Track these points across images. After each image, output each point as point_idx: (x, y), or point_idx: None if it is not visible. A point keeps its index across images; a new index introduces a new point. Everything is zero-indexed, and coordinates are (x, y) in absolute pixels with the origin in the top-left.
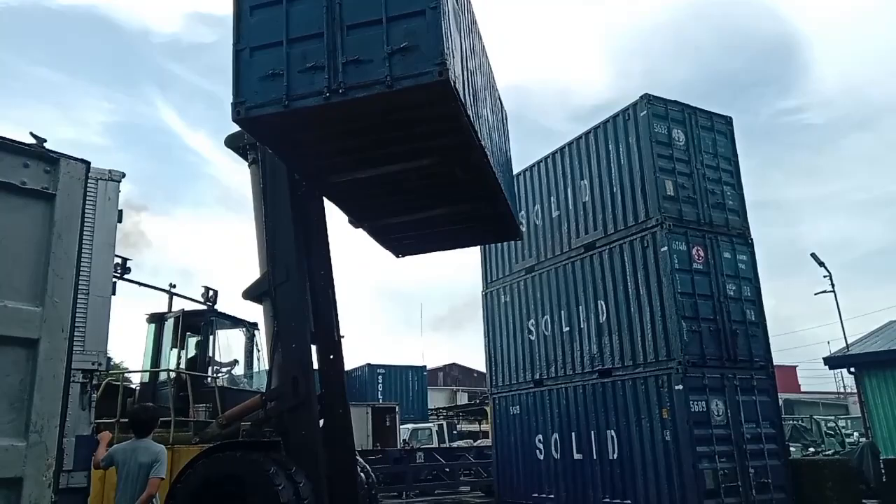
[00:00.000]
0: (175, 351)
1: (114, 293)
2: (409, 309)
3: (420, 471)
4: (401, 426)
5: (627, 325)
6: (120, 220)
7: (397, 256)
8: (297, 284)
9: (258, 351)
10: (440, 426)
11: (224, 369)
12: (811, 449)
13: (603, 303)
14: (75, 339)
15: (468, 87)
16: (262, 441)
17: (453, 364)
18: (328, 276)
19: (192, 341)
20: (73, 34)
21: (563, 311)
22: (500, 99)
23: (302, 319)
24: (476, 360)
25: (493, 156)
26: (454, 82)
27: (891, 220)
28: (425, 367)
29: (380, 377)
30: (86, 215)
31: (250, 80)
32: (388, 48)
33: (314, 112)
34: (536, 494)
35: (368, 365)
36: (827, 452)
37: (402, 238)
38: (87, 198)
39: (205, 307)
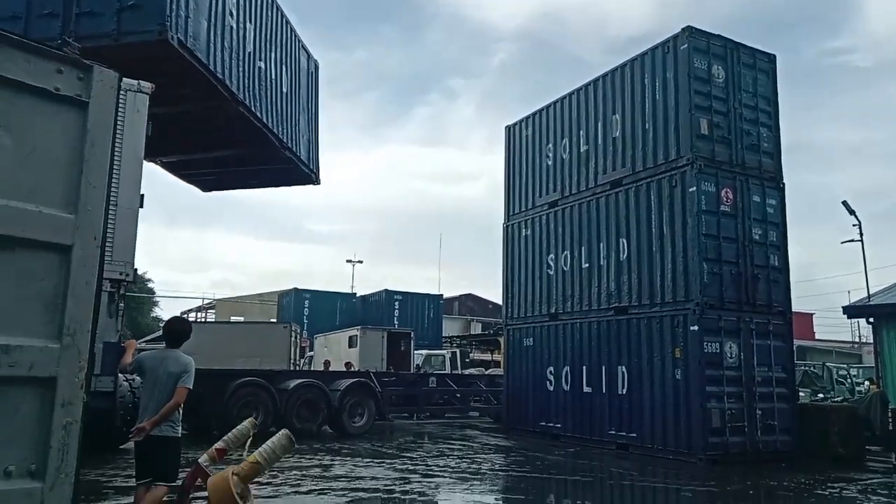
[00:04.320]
0: None
1: (141, 206)
2: (428, 238)
3: (432, 395)
4: (415, 352)
5: (647, 264)
6: (149, 133)
7: (204, 191)
8: None
9: None
10: (453, 354)
11: None
12: (820, 395)
13: (625, 240)
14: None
15: (222, 43)
16: None
17: (469, 294)
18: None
19: None
20: None
21: (583, 248)
22: (302, 50)
23: None
24: (491, 291)
25: (271, 109)
26: (179, 41)
27: None
28: (441, 295)
29: (396, 303)
30: (116, 126)
31: None
32: (117, 4)
33: None
34: (544, 423)
35: (386, 291)
36: (836, 399)
37: (201, 175)
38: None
39: None
